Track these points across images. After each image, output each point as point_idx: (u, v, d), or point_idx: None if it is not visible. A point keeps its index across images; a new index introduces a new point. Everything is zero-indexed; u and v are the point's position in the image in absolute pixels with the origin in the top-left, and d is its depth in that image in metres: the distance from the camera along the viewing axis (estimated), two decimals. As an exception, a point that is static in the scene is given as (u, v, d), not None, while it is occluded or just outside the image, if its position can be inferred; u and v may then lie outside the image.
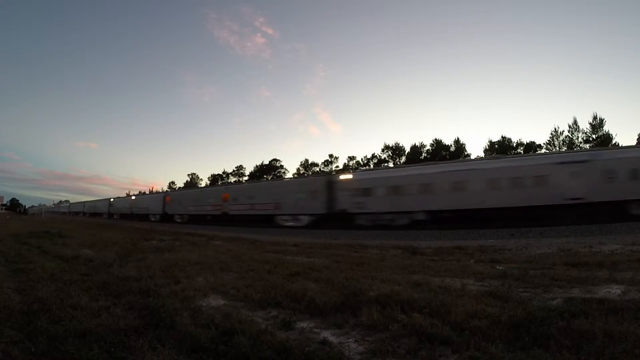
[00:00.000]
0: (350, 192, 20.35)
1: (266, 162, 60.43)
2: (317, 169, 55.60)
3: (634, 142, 34.47)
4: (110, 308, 3.77)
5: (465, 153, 44.58)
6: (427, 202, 17.79)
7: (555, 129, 38.25)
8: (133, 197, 50.75)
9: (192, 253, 8.28)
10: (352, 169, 49.88)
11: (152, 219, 38.22)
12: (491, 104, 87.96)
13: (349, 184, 20.77)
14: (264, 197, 25.58)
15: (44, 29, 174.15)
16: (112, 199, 57.68)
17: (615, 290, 3.89)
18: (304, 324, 3.25)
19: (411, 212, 18.04)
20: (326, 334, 2.98)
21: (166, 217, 36.40)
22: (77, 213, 73.45)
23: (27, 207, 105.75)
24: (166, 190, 54.99)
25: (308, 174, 53.02)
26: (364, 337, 2.89)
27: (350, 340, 2.86)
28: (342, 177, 22.06)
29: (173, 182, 78.00)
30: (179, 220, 33.76)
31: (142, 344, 2.66)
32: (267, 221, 24.34)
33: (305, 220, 22.24)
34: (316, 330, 3.11)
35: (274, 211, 24.14)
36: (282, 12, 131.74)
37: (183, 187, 69.51)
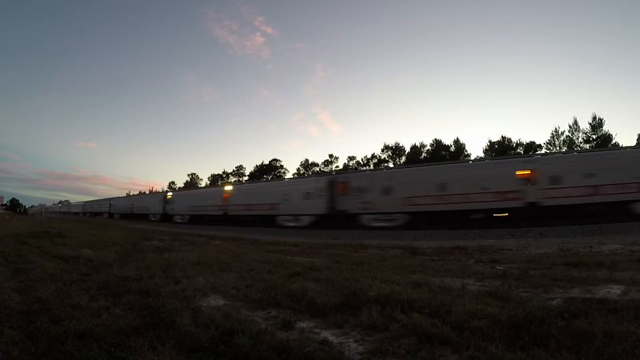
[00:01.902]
0: None
1: (266, 162, 60.44)
2: (317, 169, 55.60)
3: (633, 142, 34.52)
4: (110, 308, 3.77)
5: (465, 153, 44.60)
6: None
7: (556, 129, 38.35)
8: (228, 188, 30.47)
9: (192, 253, 8.28)
10: (352, 169, 49.82)
11: (291, 224, 21.87)
12: (491, 104, 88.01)
13: None
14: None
15: (44, 29, 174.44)
16: (169, 194, 38.79)
17: (615, 290, 3.89)
18: (304, 324, 3.26)
19: None
20: (326, 334, 2.99)
21: (332, 218, 20.30)
22: (97, 214, 55.70)
23: (27, 207, 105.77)
24: (332, 173, 34.50)
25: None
26: (364, 337, 2.89)
27: (350, 340, 2.86)
28: None
29: (173, 182, 77.95)
30: (381, 224, 18.25)
31: (142, 344, 2.66)
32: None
33: None
34: (316, 330, 3.11)
35: None
36: (281, 11, 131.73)
37: (349, 168, 47.35)
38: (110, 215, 50.25)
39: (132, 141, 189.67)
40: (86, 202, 70.60)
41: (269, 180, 40.61)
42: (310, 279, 5.04)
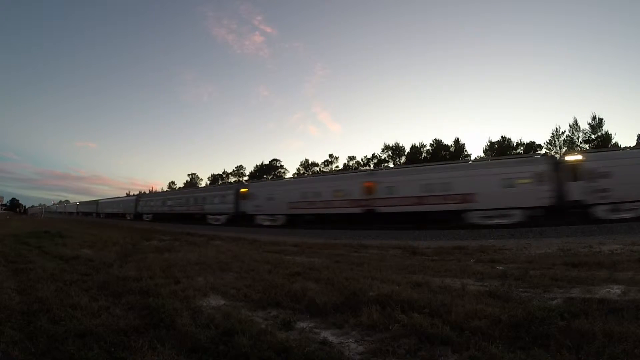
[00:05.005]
0: None
1: (266, 162, 60.38)
2: (317, 168, 55.56)
3: (633, 142, 34.52)
4: (110, 308, 3.77)
5: (465, 153, 44.58)
6: None
7: (556, 129, 38.29)
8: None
9: (192, 253, 8.28)
10: (351, 169, 49.78)
11: None
12: (491, 104, 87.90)
13: None
14: None
15: (44, 29, 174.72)
16: (574, 157, 14.66)
17: (615, 290, 3.89)
18: (304, 324, 3.26)
19: None
20: (326, 334, 2.99)
21: None
22: (188, 216, 30.62)
23: (27, 207, 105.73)
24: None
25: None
26: (364, 337, 2.89)
27: (350, 340, 2.86)
28: None
29: (173, 182, 77.85)
30: None
31: (142, 344, 2.66)
32: None
33: None
34: (316, 330, 3.12)
35: None
36: (280, 10, 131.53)
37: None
38: (245, 217, 24.60)
39: (132, 141, 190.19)
40: (143, 195, 38.91)
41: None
42: (310, 279, 5.04)
